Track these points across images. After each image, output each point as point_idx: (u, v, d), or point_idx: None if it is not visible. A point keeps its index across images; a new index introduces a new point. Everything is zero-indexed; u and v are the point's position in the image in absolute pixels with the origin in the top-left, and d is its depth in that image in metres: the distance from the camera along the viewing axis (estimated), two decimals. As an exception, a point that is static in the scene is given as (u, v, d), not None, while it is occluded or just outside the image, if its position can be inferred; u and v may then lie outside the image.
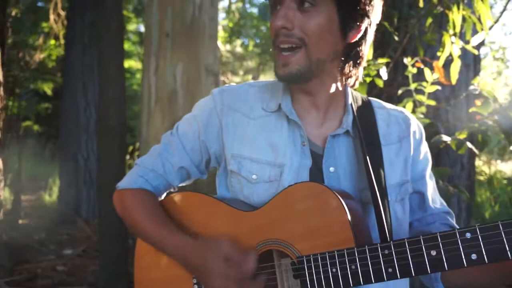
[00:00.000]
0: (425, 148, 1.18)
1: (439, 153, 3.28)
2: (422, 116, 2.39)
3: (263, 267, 1.03)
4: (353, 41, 1.05)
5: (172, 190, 1.23)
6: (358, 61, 1.10)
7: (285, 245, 0.99)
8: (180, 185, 1.24)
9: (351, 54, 1.08)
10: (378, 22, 1.10)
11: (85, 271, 4.19)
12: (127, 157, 7.32)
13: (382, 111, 1.17)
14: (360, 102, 1.16)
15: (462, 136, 2.07)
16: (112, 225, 3.41)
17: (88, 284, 3.87)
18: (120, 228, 3.43)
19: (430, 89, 2.27)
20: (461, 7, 2.15)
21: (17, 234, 4.99)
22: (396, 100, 2.70)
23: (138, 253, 1.19)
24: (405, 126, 1.16)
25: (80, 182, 6.08)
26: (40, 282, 3.86)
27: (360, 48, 1.08)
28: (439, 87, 2.28)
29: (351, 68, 1.10)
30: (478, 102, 2.14)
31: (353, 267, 0.90)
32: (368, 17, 1.05)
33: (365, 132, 1.09)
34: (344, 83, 1.13)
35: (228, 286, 0.95)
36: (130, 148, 7.75)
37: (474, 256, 0.82)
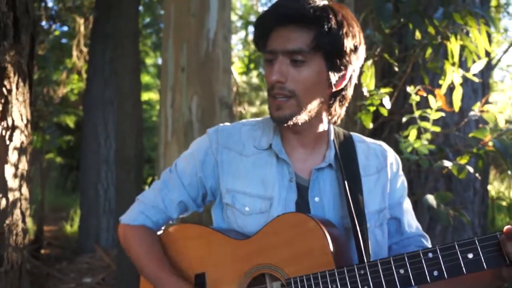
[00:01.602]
0: (401, 177, 1.29)
1: (451, 178, 3.30)
2: (426, 142, 2.45)
3: None
4: (339, 88, 1.18)
5: (170, 222, 1.34)
6: (343, 102, 1.23)
7: (275, 269, 1.09)
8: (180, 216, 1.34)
9: (337, 98, 1.21)
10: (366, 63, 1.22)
11: (104, 299, 4.28)
12: (147, 188, 7.43)
13: (362, 144, 1.28)
14: (342, 137, 1.27)
15: (463, 161, 2.13)
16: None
17: (107, 312, 3.96)
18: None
19: (434, 115, 2.34)
20: (458, 37, 2.24)
21: (40, 263, 5.12)
22: (402, 127, 2.78)
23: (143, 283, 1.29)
24: (383, 159, 1.26)
25: (100, 212, 6.18)
26: (60, 309, 3.97)
27: (346, 92, 1.21)
28: (443, 114, 2.35)
29: (336, 109, 1.23)
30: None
31: (334, 286, 1.01)
32: (352, 64, 1.16)
33: (346, 165, 1.20)
34: (328, 121, 1.25)
35: None
36: (149, 179, 7.89)
37: (436, 273, 0.94)
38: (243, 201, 1.20)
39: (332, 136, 1.25)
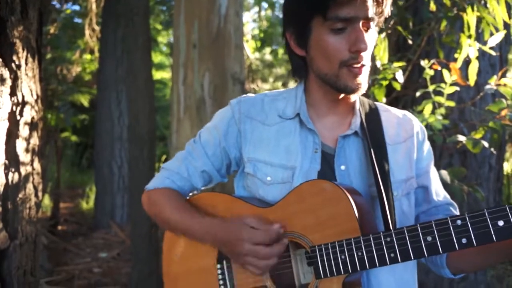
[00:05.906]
0: (427, 146, 1.27)
1: (466, 154, 3.26)
2: (440, 117, 2.41)
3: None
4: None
5: (195, 192, 1.34)
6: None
7: (299, 237, 1.08)
8: (204, 187, 1.34)
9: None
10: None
11: (119, 273, 4.38)
12: (161, 165, 7.49)
13: (387, 113, 1.27)
14: (367, 107, 1.26)
15: (478, 135, 2.09)
16: (143, 229, 3.55)
17: (122, 285, 4.06)
18: (151, 231, 3.58)
19: (449, 90, 2.29)
20: (475, 8, 2.17)
21: (57, 239, 5.25)
22: (416, 102, 2.73)
23: (166, 246, 1.30)
24: (409, 127, 1.25)
25: (115, 189, 6.26)
26: (77, 282, 4.10)
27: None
28: (457, 88, 2.29)
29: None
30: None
31: (359, 253, 1.00)
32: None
33: (372, 133, 1.19)
34: None
35: (256, 249, 1.04)
36: (164, 157, 7.95)
37: (464, 240, 0.91)
38: (265, 170, 1.20)
39: (358, 105, 1.24)
